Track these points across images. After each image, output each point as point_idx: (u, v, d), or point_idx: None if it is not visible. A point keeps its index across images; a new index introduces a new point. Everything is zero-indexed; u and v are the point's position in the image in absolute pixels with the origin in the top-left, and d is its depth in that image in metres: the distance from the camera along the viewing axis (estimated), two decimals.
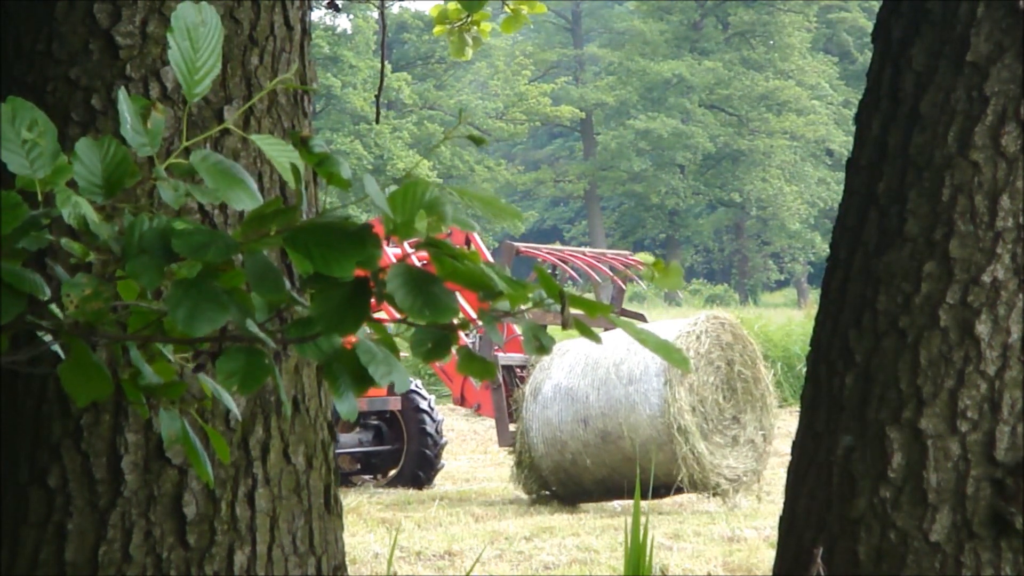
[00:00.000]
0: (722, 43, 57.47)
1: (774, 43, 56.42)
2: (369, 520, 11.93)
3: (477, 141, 2.13)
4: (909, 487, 3.48)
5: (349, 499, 12.89)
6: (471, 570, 6.47)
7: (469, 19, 6.57)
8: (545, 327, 2.00)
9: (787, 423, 16.51)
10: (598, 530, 11.53)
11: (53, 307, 2.10)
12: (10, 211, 2.00)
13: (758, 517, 12.12)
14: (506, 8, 6.55)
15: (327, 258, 1.93)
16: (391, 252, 12.76)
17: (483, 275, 1.96)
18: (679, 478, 12.77)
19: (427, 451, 14.62)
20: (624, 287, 15.20)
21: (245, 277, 2.02)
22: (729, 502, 13.11)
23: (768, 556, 9.71)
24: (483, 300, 2.00)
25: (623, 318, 2.02)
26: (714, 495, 13.08)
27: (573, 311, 1.97)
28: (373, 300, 1.98)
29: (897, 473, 3.50)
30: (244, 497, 3.36)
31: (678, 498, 13.80)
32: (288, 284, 2.05)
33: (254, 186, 2.10)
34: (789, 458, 3.80)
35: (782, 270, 58.84)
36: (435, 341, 2.00)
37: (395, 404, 14.51)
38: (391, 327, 2.10)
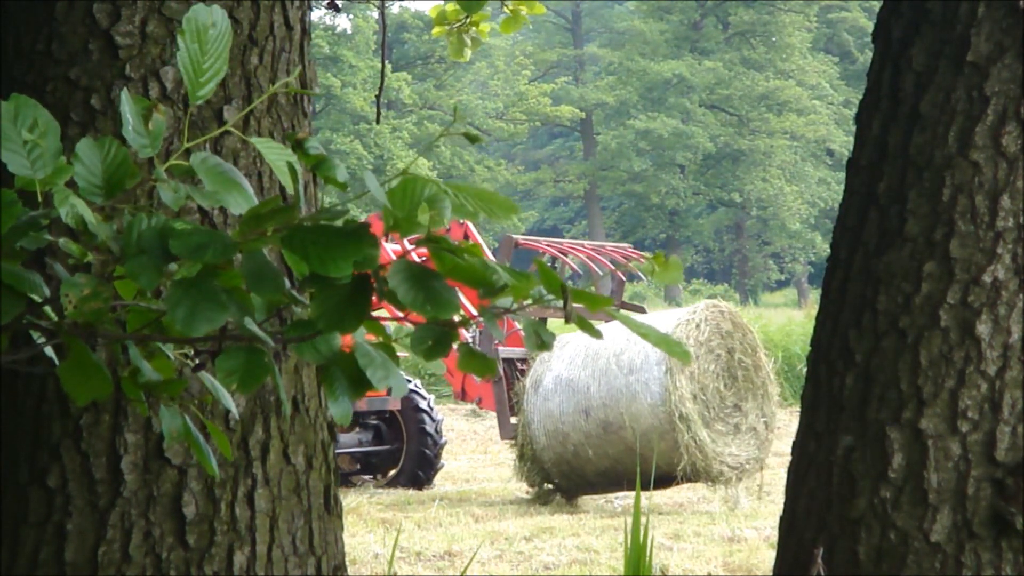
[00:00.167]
0: (722, 43, 57.47)
1: (774, 43, 56.42)
2: (369, 520, 11.93)
3: (473, 139, 2.13)
4: (909, 487, 3.48)
5: (349, 499, 12.89)
6: (465, 569, 6.46)
7: (468, 20, 6.57)
8: (545, 322, 2.00)
9: (787, 423, 16.52)
10: (598, 530, 11.53)
11: (47, 309, 2.10)
12: (7, 209, 2.00)
13: (758, 517, 12.12)
14: (505, 9, 6.55)
15: (324, 258, 1.93)
16: (390, 248, 12.75)
17: (484, 271, 1.96)
18: (681, 467, 12.75)
19: (427, 451, 14.61)
20: (624, 279, 15.21)
21: (243, 276, 2.02)
22: (731, 494, 13.09)
23: (768, 556, 9.71)
24: (483, 297, 2.00)
25: (623, 312, 2.02)
26: (717, 483, 13.06)
27: (574, 305, 1.97)
28: (374, 298, 1.98)
29: (897, 473, 3.49)
30: (244, 497, 3.36)
31: (678, 498, 13.80)
32: (288, 284, 2.05)
33: (251, 190, 2.10)
34: (789, 458, 3.80)
35: (782, 270, 58.84)
36: (435, 339, 2.00)
37: (395, 404, 14.51)
38: (391, 328, 2.10)
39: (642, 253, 15.79)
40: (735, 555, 10.30)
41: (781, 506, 3.82)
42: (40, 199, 2.06)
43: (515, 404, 13.93)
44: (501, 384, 14.18)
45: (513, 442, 13.86)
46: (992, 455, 3.45)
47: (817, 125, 54.95)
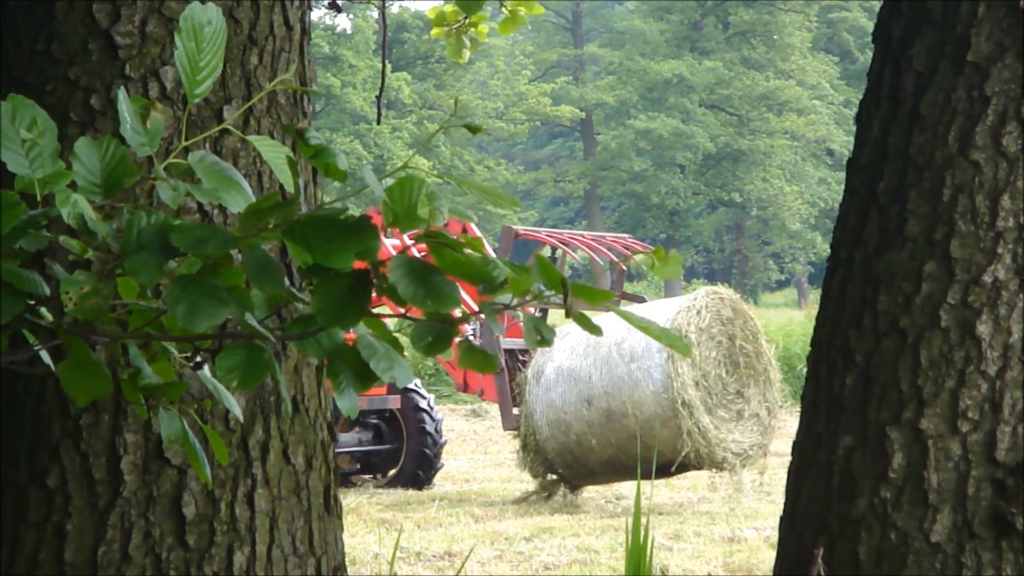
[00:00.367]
0: (722, 43, 57.45)
1: (775, 43, 56.39)
2: (369, 520, 11.93)
3: (474, 130, 2.13)
4: (910, 487, 3.48)
5: (349, 499, 12.88)
6: (461, 569, 6.46)
7: (467, 20, 6.57)
8: (546, 314, 2.01)
9: (788, 423, 16.51)
10: (598, 530, 11.53)
11: (44, 310, 2.10)
12: (8, 210, 2.00)
13: (758, 517, 12.12)
14: (503, 9, 6.55)
15: (326, 250, 1.93)
16: (389, 244, 12.76)
17: (483, 266, 1.96)
18: (685, 454, 12.73)
19: (427, 450, 14.61)
20: (625, 268, 15.19)
21: (244, 274, 2.02)
22: (735, 480, 13.09)
23: (768, 556, 9.71)
24: (483, 292, 2.00)
25: (623, 308, 2.02)
26: (721, 470, 13.05)
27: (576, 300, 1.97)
28: (374, 293, 1.98)
29: (898, 473, 3.49)
30: (243, 497, 3.36)
31: (678, 498, 13.80)
32: (287, 281, 2.05)
33: (250, 189, 2.10)
34: (790, 458, 3.80)
35: (782, 270, 58.83)
36: (436, 334, 2.00)
37: (395, 403, 14.50)
38: (392, 324, 2.09)
39: (643, 243, 15.79)
40: (735, 555, 10.29)
41: (781, 506, 3.82)
42: (40, 199, 2.06)
43: (517, 395, 13.92)
44: (503, 375, 14.17)
45: (516, 433, 13.85)
46: (992, 455, 3.45)
47: (817, 125, 54.93)
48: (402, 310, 2.02)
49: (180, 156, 2.17)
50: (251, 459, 3.38)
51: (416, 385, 14.92)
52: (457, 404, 24.27)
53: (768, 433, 13.44)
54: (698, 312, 13.20)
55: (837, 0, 60.91)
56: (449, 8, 6.56)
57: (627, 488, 14.30)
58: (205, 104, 3.37)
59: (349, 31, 51.09)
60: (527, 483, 14.29)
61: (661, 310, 13.46)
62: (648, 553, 5.70)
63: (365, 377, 2.06)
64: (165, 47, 3.33)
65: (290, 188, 2.11)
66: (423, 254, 2.04)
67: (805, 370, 3.85)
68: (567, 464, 13.43)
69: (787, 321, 28.67)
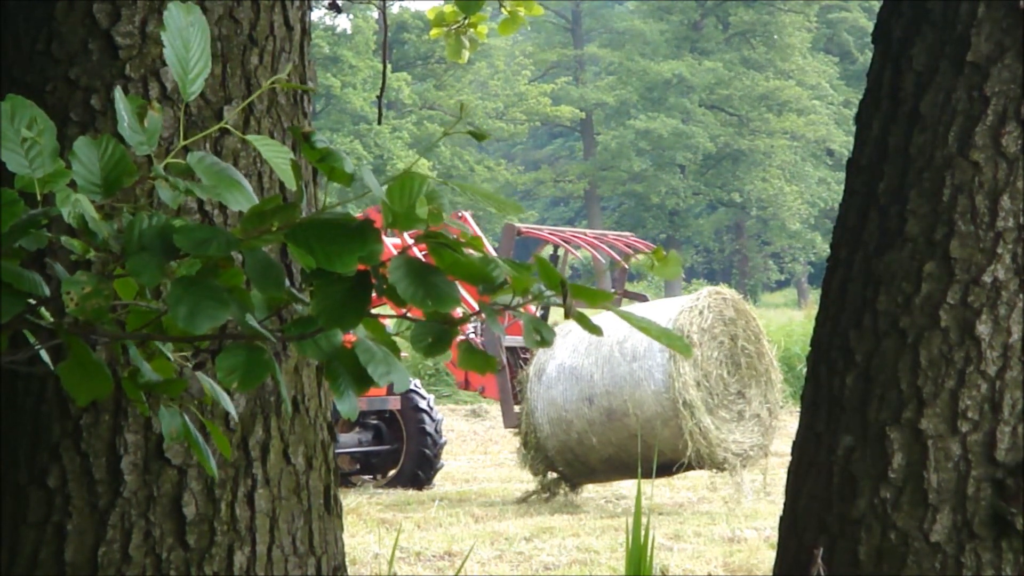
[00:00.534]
0: (722, 43, 57.44)
1: (774, 43, 56.38)
2: (369, 520, 11.93)
3: (479, 137, 2.13)
4: (910, 487, 3.48)
5: (349, 499, 12.88)
6: (460, 569, 6.46)
7: (466, 21, 6.57)
8: (547, 316, 2.01)
9: (788, 423, 16.50)
10: (598, 530, 11.53)
11: (43, 310, 2.10)
12: (8, 208, 2.00)
13: (758, 517, 12.12)
14: (503, 10, 6.55)
15: (329, 253, 1.93)
16: (389, 242, 12.76)
17: (484, 266, 1.96)
18: (686, 453, 12.73)
19: (427, 451, 14.61)
20: (627, 267, 15.17)
21: (244, 275, 2.02)
22: (735, 481, 13.09)
23: (768, 557, 9.71)
24: (484, 293, 2.00)
25: (624, 309, 2.02)
26: (721, 470, 13.04)
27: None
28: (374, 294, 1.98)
29: (898, 473, 3.49)
30: (244, 497, 3.36)
31: (678, 498, 13.80)
32: (288, 283, 2.05)
33: (250, 189, 2.10)
34: (790, 458, 3.80)
35: (782, 270, 58.82)
36: (436, 335, 2.00)
37: (394, 404, 14.50)
38: (392, 325, 2.09)
39: (645, 242, 15.77)
40: (735, 555, 10.29)
41: (781, 506, 3.82)
42: (40, 198, 2.06)
43: (518, 392, 13.91)
44: (504, 373, 14.16)
45: (516, 431, 13.84)
46: (992, 455, 3.45)
47: (817, 125, 54.92)
48: (403, 310, 2.02)
49: (180, 156, 2.17)
50: (251, 459, 3.38)
51: (416, 386, 14.92)
52: (457, 404, 24.27)
53: (769, 434, 13.43)
54: (700, 312, 13.20)
55: (837, 0, 60.90)
56: (448, 9, 6.56)
57: (627, 488, 14.30)
58: (205, 104, 3.37)
59: (349, 31, 51.08)
60: (527, 483, 14.28)
61: (663, 309, 13.45)
62: (649, 553, 5.69)
63: (363, 380, 2.06)
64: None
65: (291, 187, 2.11)
66: (424, 253, 2.04)
67: (805, 370, 3.85)
68: (567, 462, 13.43)
69: (787, 321, 28.67)
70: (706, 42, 57.72)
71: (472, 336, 13.96)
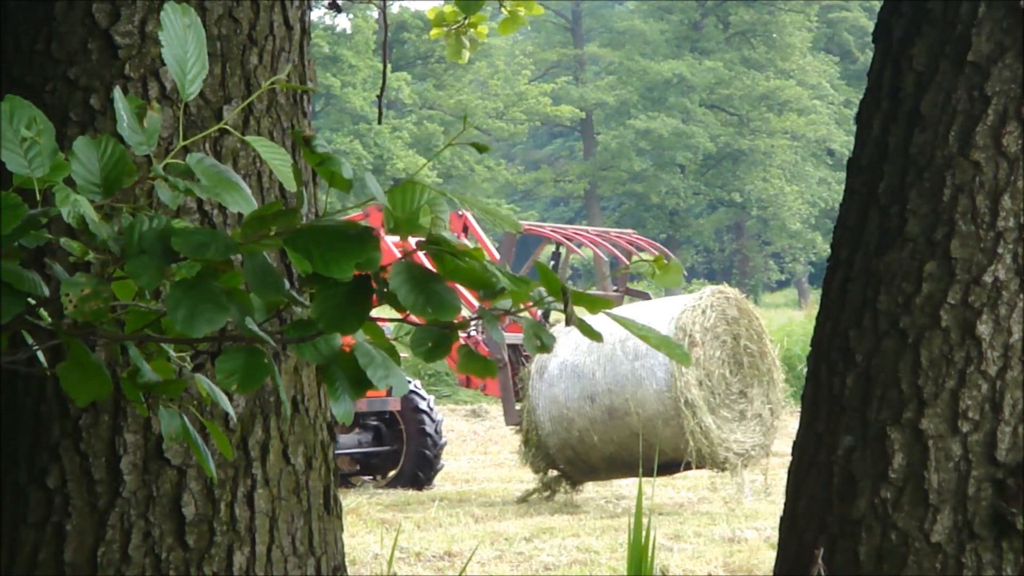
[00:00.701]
0: (722, 43, 57.44)
1: (775, 43, 56.37)
2: (369, 521, 11.93)
3: (481, 149, 2.13)
4: (910, 488, 3.48)
5: (349, 500, 12.88)
6: (463, 569, 6.45)
7: (466, 21, 6.56)
8: (548, 315, 2.01)
9: (788, 423, 16.51)
10: (598, 530, 11.53)
11: (42, 311, 2.10)
12: (10, 211, 2.00)
13: (759, 518, 12.12)
14: (503, 10, 6.54)
15: (327, 259, 1.93)
16: (389, 240, 12.75)
17: (484, 274, 1.95)
18: (687, 452, 12.72)
19: (426, 451, 14.61)
20: (629, 265, 15.13)
21: (244, 277, 2.02)
22: (736, 482, 13.08)
23: (769, 557, 9.71)
24: (484, 299, 2.00)
25: (624, 315, 2.01)
26: (723, 470, 13.04)
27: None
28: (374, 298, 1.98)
29: (898, 473, 3.49)
30: (243, 498, 3.36)
31: (678, 498, 13.80)
32: (287, 284, 2.05)
33: (248, 190, 2.10)
34: (790, 458, 3.79)
35: (783, 270, 58.81)
36: (435, 340, 2.00)
37: (394, 404, 14.50)
38: (391, 329, 2.09)
39: (647, 239, 15.76)
40: (735, 555, 10.29)
41: (782, 506, 3.81)
42: (39, 198, 2.05)
43: (520, 390, 13.90)
44: (506, 370, 14.16)
45: (517, 428, 13.83)
46: (993, 455, 3.45)
47: (817, 125, 54.91)
48: (404, 314, 2.02)
49: (179, 156, 2.17)
50: (251, 459, 3.38)
51: (416, 387, 14.92)
52: (457, 405, 24.27)
53: (770, 434, 13.43)
54: (703, 311, 13.19)
55: (837, 0, 60.90)
56: (449, 9, 6.56)
57: (627, 488, 14.30)
58: (205, 104, 3.37)
59: (349, 31, 51.08)
60: (527, 483, 14.29)
61: (666, 308, 13.44)
62: (651, 553, 5.69)
63: (361, 384, 2.06)
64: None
65: (291, 188, 2.11)
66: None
67: (805, 370, 3.85)
68: (568, 460, 13.42)
69: (787, 321, 28.67)
70: (706, 42, 57.72)
71: (474, 334, 13.94)
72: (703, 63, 55.98)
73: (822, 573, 3.55)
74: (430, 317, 1.94)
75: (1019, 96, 3.49)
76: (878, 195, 3.61)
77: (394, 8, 54.17)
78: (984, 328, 3.46)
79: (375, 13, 48.64)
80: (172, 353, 2.28)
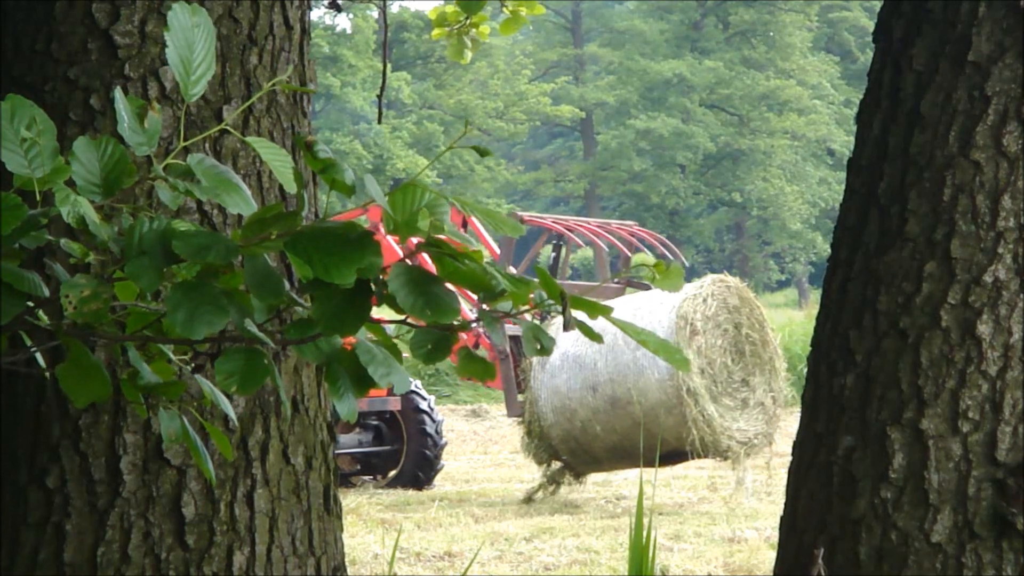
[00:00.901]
0: (723, 42, 57.44)
1: (775, 42, 56.37)
2: (369, 521, 11.93)
3: (482, 154, 2.13)
4: (910, 488, 3.48)
5: (349, 499, 12.88)
6: (467, 570, 6.46)
7: (468, 21, 6.56)
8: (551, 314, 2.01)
9: (789, 424, 16.50)
10: (598, 530, 11.53)
11: (41, 312, 2.09)
12: (10, 212, 1.99)
13: (759, 518, 12.11)
14: (505, 9, 6.54)
15: (327, 264, 1.93)
16: (390, 238, 12.73)
17: (484, 276, 1.95)
18: (689, 441, 12.70)
19: (427, 452, 14.61)
20: (630, 255, 15.14)
21: (244, 280, 2.02)
22: (738, 469, 13.07)
23: (769, 557, 9.71)
24: (483, 301, 2.00)
25: (623, 320, 2.01)
26: (725, 459, 13.02)
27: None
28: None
29: (898, 474, 3.49)
30: (243, 498, 3.36)
31: (678, 498, 13.80)
32: (288, 285, 2.05)
33: (248, 191, 2.10)
34: (790, 458, 3.79)
35: (783, 270, 58.80)
36: (435, 342, 2.00)
37: (395, 404, 14.50)
38: (391, 329, 2.09)
39: (648, 231, 15.75)
40: (735, 556, 10.29)
41: (781, 506, 3.81)
42: (39, 198, 2.05)
43: (522, 381, 13.89)
44: (508, 362, 14.14)
45: (520, 419, 13.83)
46: (993, 455, 3.45)
47: (818, 125, 54.91)
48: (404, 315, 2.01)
49: (179, 156, 2.17)
50: (251, 459, 3.38)
51: (416, 387, 14.92)
52: (457, 405, 24.28)
53: (773, 422, 13.40)
54: (704, 300, 13.17)
55: (837, 0, 60.89)
56: (450, 9, 6.56)
57: (627, 488, 14.30)
58: (205, 104, 3.37)
59: (349, 31, 51.07)
60: (528, 483, 14.28)
61: (667, 297, 13.40)
62: (651, 552, 5.69)
63: (363, 382, 2.06)
64: (164, 47, 3.32)
65: (290, 189, 2.11)
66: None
67: (805, 370, 3.85)
68: (571, 451, 13.40)
69: (787, 321, 28.65)
70: (706, 42, 57.72)
71: (475, 327, 13.92)
72: (703, 63, 55.97)
73: (822, 573, 3.55)
74: (429, 319, 1.93)
75: (1019, 96, 3.49)
76: (878, 195, 3.61)
77: (394, 8, 54.17)
78: (984, 328, 3.46)
79: (375, 13, 48.63)
80: (172, 355, 2.28)
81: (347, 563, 3.72)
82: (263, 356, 2.04)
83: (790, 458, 3.80)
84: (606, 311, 1.99)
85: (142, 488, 3.27)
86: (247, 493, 3.36)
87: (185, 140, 3.11)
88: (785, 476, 3.85)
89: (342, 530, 3.65)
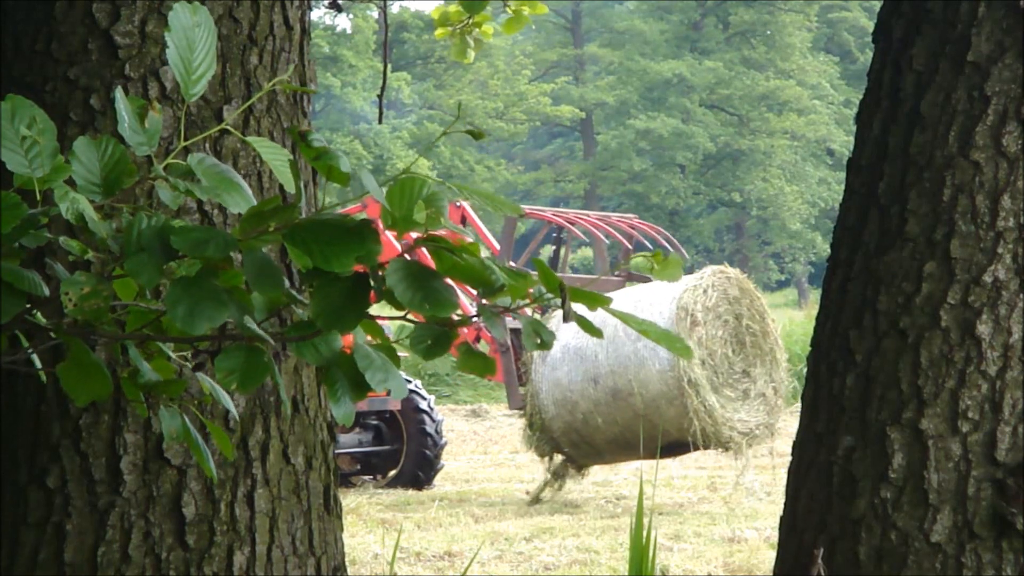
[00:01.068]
0: (722, 43, 57.44)
1: (775, 43, 56.37)
2: (369, 521, 11.93)
3: (476, 136, 2.13)
4: (910, 488, 3.48)
5: (349, 499, 12.88)
6: (467, 569, 6.46)
7: (471, 21, 6.56)
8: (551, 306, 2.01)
9: (789, 424, 16.50)
10: (598, 530, 11.53)
11: (39, 314, 2.10)
12: (10, 211, 2.00)
13: (759, 517, 12.12)
14: (507, 9, 6.54)
15: (326, 253, 1.93)
16: (390, 235, 12.71)
17: (482, 271, 1.96)
18: (691, 432, 12.70)
19: (427, 451, 14.61)
20: (631, 248, 15.13)
21: (244, 276, 2.02)
22: (741, 459, 13.06)
23: (769, 557, 9.71)
24: (483, 296, 2.00)
25: (623, 311, 2.01)
26: (727, 449, 13.01)
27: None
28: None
29: (898, 474, 3.49)
30: (243, 497, 3.36)
31: (678, 498, 13.80)
32: (287, 283, 2.05)
33: (249, 191, 2.10)
34: (790, 458, 3.79)
35: (783, 270, 58.80)
36: (434, 338, 2.00)
37: (395, 404, 14.50)
38: (392, 331, 2.09)
39: (648, 223, 15.74)
40: (735, 556, 10.29)
41: (781, 506, 3.81)
42: (39, 198, 2.05)
43: (523, 374, 13.88)
44: (509, 354, 14.14)
45: (521, 412, 13.82)
46: (993, 455, 3.45)
47: (817, 125, 54.91)
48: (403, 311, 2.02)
49: (180, 156, 2.17)
50: (251, 459, 3.38)
51: (416, 386, 14.93)
52: (457, 404, 24.28)
53: (774, 412, 13.39)
54: (705, 291, 13.16)
55: (837, 0, 60.90)
56: (453, 8, 6.56)
57: (627, 488, 14.30)
58: (205, 104, 3.37)
59: (349, 31, 51.07)
60: (528, 482, 14.29)
61: (667, 289, 13.39)
62: (652, 552, 5.69)
63: (360, 387, 2.06)
64: (165, 47, 3.33)
65: (290, 189, 2.11)
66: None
67: (805, 370, 3.85)
68: (573, 443, 13.39)
69: (787, 321, 28.66)
70: (706, 42, 57.72)
71: (475, 320, 13.92)
72: (703, 63, 55.97)
73: (822, 573, 3.55)
74: (427, 313, 1.94)
75: (1019, 96, 3.49)
76: (878, 195, 3.61)
77: (394, 8, 54.17)
78: (984, 328, 3.47)
79: (375, 13, 48.64)
80: (172, 353, 2.28)
81: (347, 563, 3.72)
82: (263, 354, 2.04)
83: (790, 458, 3.80)
84: (606, 302, 1.99)
85: (142, 488, 3.27)
86: (247, 493, 3.36)
87: (185, 140, 3.11)
88: (783, 476, 3.85)
89: (342, 530, 3.65)
